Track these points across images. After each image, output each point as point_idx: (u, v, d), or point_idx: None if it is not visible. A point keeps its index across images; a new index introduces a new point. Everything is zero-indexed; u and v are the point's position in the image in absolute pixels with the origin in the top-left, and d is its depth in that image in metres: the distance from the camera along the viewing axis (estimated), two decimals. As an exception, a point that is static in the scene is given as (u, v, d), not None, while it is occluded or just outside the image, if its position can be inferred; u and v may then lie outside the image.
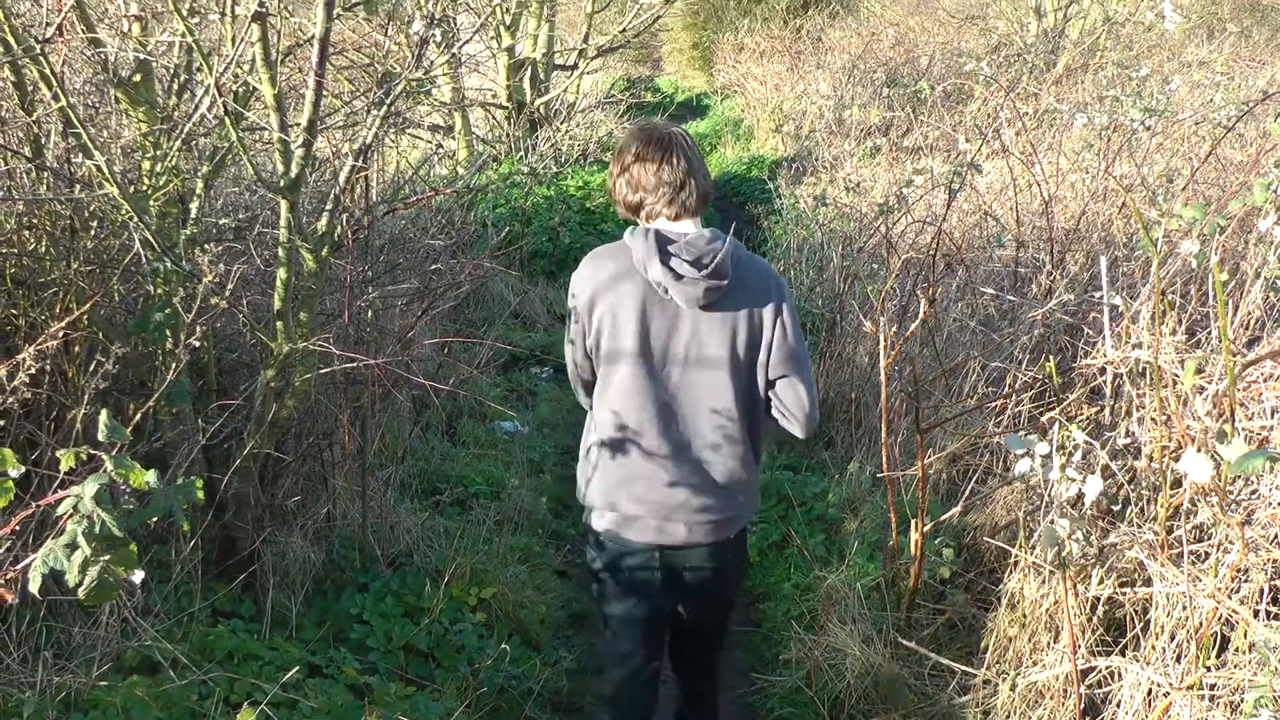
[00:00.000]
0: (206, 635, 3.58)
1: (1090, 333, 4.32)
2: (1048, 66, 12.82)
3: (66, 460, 2.15)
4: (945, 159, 8.26)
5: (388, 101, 3.75)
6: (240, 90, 3.82)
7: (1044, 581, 3.67)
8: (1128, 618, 3.47)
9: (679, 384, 3.07)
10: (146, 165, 3.77)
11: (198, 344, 3.53)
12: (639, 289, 3.01)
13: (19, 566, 2.12)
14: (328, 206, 3.76)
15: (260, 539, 4.14)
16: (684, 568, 3.22)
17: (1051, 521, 3.16)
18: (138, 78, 3.76)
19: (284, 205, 3.51)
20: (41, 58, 3.09)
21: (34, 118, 3.60)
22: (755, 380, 3.11)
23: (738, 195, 13.62)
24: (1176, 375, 3.18)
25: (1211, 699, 2.98)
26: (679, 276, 2.95)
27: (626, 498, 3.14)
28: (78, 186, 3.71)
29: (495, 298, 9.29)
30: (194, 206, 3.86)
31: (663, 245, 2.98)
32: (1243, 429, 3.20)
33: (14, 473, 2.17)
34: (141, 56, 3.73)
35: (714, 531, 3.17)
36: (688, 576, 3.25)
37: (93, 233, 3.79)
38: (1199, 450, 2.63)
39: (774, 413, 3.17)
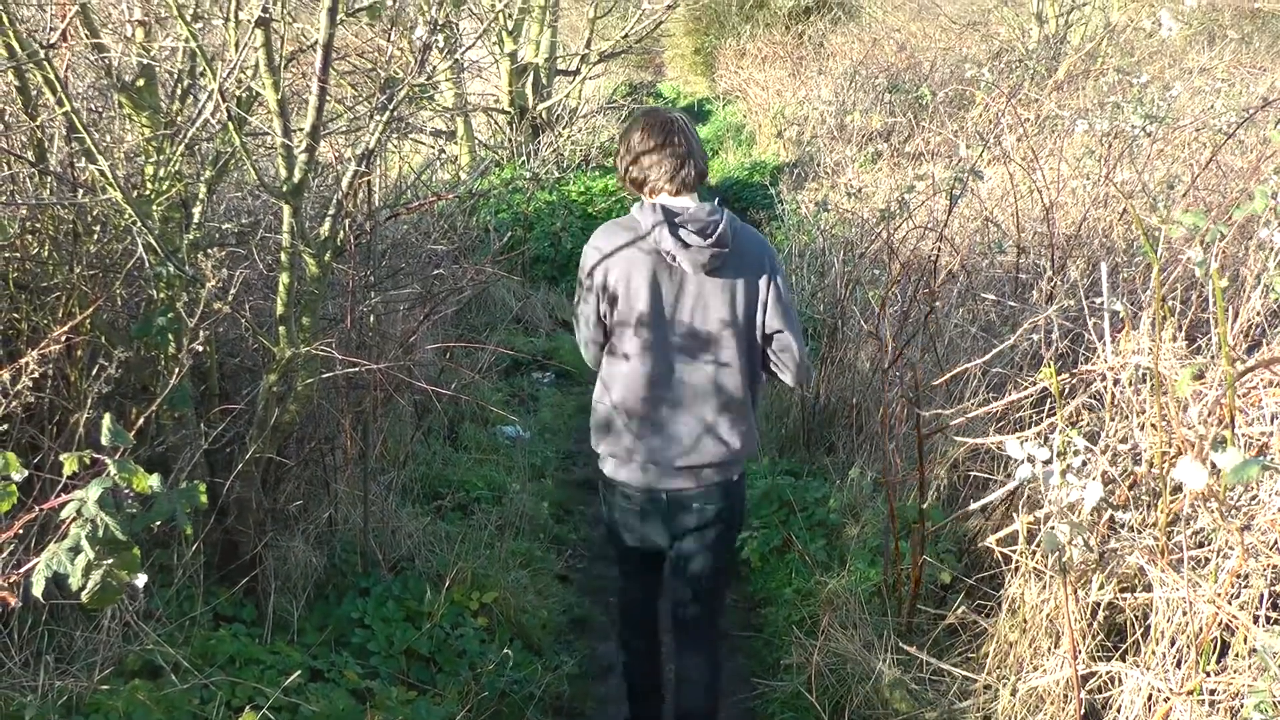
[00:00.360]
0: (208, 639, 3.58)
1: (1091, 338, 4.32)
2: (1049, 73, 12.84)
3: (70, 464, 2.16)
4: (947, 165, 8.28)
5: (390, 107, 3.77)
6: (243, 95, 3.83)
7: (1044, 587, 3.67)
8: (1128, 623, 3.48)
9: (686, 342, 3.41)
10: (150, 170, 3.78)
11: (200, 349, 3.54)
12: (649, 257, 3.34)
13: (22, 570, 2.13)
14: (330, 211, 3.77)
15: (262, 543, 4.14)
16: (688, 509, 3.55)
17: (1052, 527, 3.17)
18: (141, 83, 3.77)
19: (287, 210, 3.52)
20: (46, 63, 3.11)
21: (38, 123, 3.61)
22: (754, 337, 3.46)
23: (740, 200, 13.62)
24: (1176, 381, 3.19)
25: (1212, 704, 2.98)
26: (686, 245, 3.29)
27: (637, 448, 3.49)
28: (81, 191, 3.72)
29: (497, 303, 9.31)
30: (197, 211, 3.87)
31: (670, 218, 3.31)
32: (1242, 435, 3.20)
33: (17, 476, 2.18)
34: (145, 62, 3.74)
35: (716, 474, 3.52)
36: (692, 518, 3.56)
37: (95, 237, 3.80)
38: (1196, 457, 2.64)
39: (771, 366, 3.55)
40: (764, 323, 3.44)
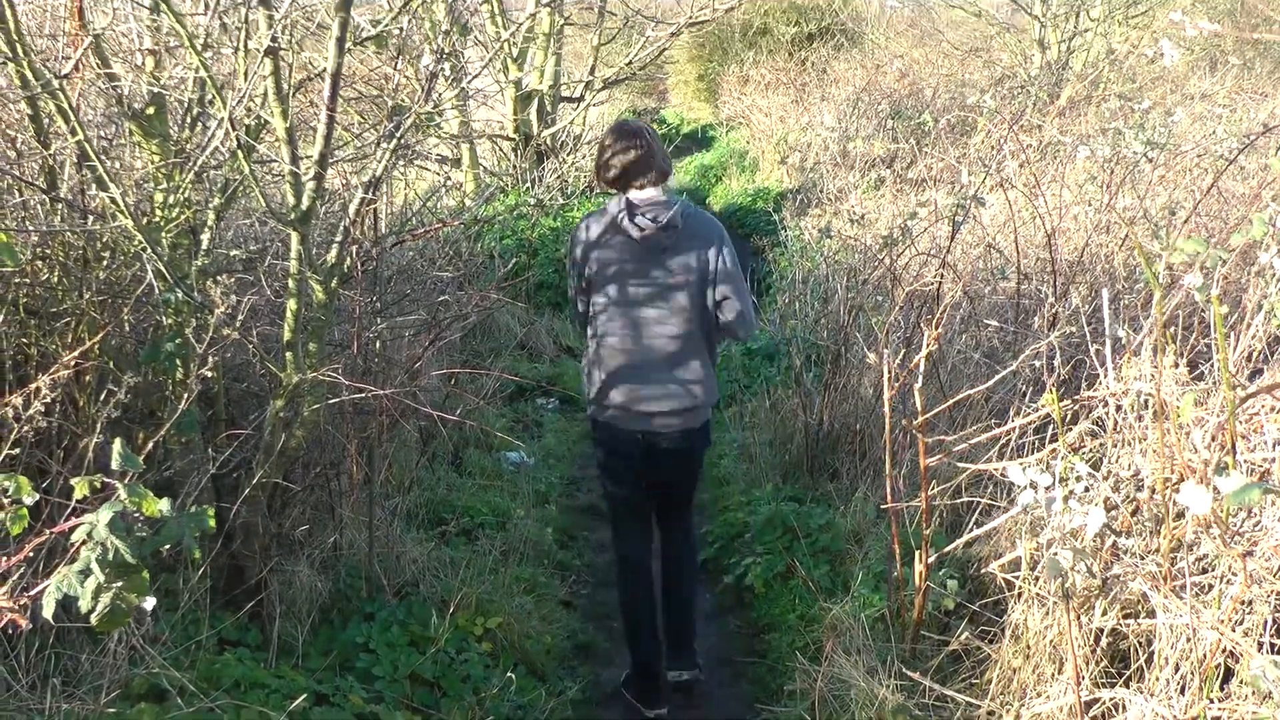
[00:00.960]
0: (214, 663, 3.59)
1: (1093, 364, 4.34)
2: (1051, 99, 12.88)
3: (80, 488, 2.18)
4: (949, 191, 8.31)
5: (397, 135, 3.80)
6: (252, 124, 3.86)
7: (1048, 613, 3.68)
8: (1131, 649, 3.48)
9: (650, 308, 4.23)
10: (159, 197, 3.81)
11: (208, 374, 3.56)
12: (619, 240, 4.21)
13: (32, 593, 2.15)
14: (337, 238, 3.80)
15: (268, 568, 4.16)
16: (660, 448, 4.38)
17: (1055, 553, 3.18)
18: (151, 111, 3.81)
19: (295, 237, 3.55)
20: (59, 92, 3.14)
21: (50, 150, 3.65)
22: (705, 301, 4.25)
23: (743, 227, 13.65)
24: (1178, 407, 3.20)
25: (1215, 730, 2.98)
26: (642, 228, 4.15)
27: (616, 396, 4.31)
28: (91, 218, 3.75)
29: (502, 329, 9.34)
30: (205, 238, 3.90)
31: (632, 208, 4.18)
32: (1244, 461, 3.22)
33: (27, 500, 2.20)
34: (156, 90, 3.78)
35: (682, 419, 4.34)
36: (664, 456, 4.40)
37: (105, 263, 3.83)
38: (1199, 482, 2.65)
39: (721, 325, 4.31)
40: (715, 288, 4.23)
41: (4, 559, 2.24)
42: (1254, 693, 2.97)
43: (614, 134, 4.28)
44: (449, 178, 10.90)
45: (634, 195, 4.21)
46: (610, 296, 4.24)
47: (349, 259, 3.97)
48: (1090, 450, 3.74)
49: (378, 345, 4.94)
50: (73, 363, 3.15)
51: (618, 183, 4.25)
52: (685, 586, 4.66)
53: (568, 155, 12.80)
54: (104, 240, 3.80)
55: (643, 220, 4.14)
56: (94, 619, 2.08)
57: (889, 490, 4.26)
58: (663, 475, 4.51)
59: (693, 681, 4.63)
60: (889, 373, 4.10)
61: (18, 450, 3.03)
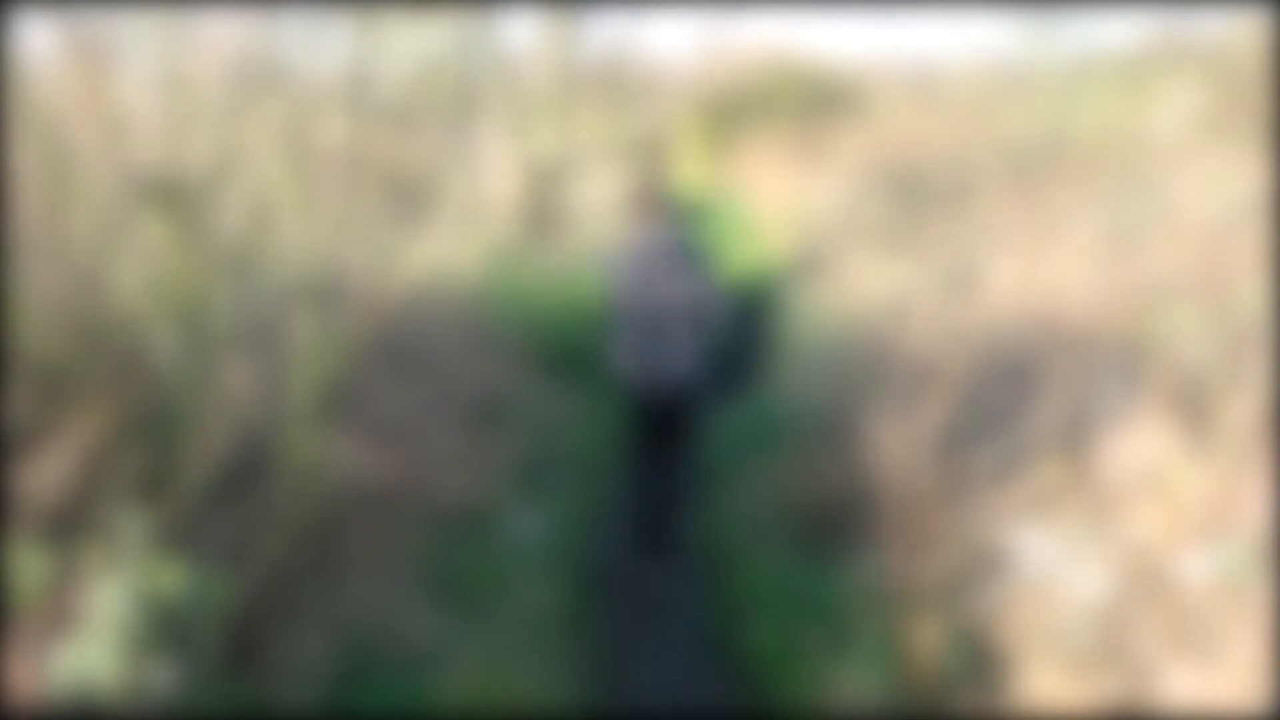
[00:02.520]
0: (222, 734, 3.59)
1: (1096, 432, 4.37)
2: (1054, 167, 12.95)
3: (94, 559, 2.22)
4: (953, 260, 8.37)
5: (406, 207, 3.87)
6: (264, 199, 3.93)
7: (1055, 678, 3.68)
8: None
9: (664, 310, 6.05)
10: (172, 269, 3.88)
11: (219, 445, 3.60)
12: (641, 259, 6.10)
13: (45, 664, 2.18)
14: (349, 310, 3.86)
15: (277, 637, 4.16)
16: (669, 411, 6.37)
17: (1060, 618, 3.20)
18: (166, 186, 3.88)
19: (304, 310, 3.61)
20: (77, 168, 3.21)
21: (67, 224, 3.71)
22: (702, 306, 6.16)
23: (748, 295, 13.64)
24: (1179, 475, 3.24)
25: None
26: (658, 250, 6.08)
27: (638, 371, 6.20)
28: (106, 292, 3.81)
29: (510, 398, 9.34)
30: (217, 311, 3.96)
31: (649, 235, 6.12)
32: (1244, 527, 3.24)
33: (43, 573, 2.24)
34: (169, 165, 3.85)
35: (686, 389, 6.27)
36: (672, 413, 6.39)
37: (119, 335, 3.88)
38: (1199, 549, 2.68)
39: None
40: (708, 298, 6.18)
41: (18, 630, 2.28)
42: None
43: (633, 180, 6.48)
44: (457, 248, 10.97)
45: (648, 222, 6.13)
46: (637, 302, 6.13)
47: (360, 331, 4.02)
48: (1093, 516, 3.77)
49: (389, 417, 4.97)
50: (87, 433, 3.19)
51: (638, 213, 6.18)
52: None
53: (574, 225, 12.87)
54: (118, 313, 3.85)
55: (659, 244, 6.11)
56: (106, 689, 2.11)
57: (894, 556, 4.27)
58: (670, 425, 6.47)
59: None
60: (893, 441, 4.14)
61: (33, 520, 3.07)
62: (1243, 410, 3.76)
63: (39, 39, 3.70)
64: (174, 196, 3.90)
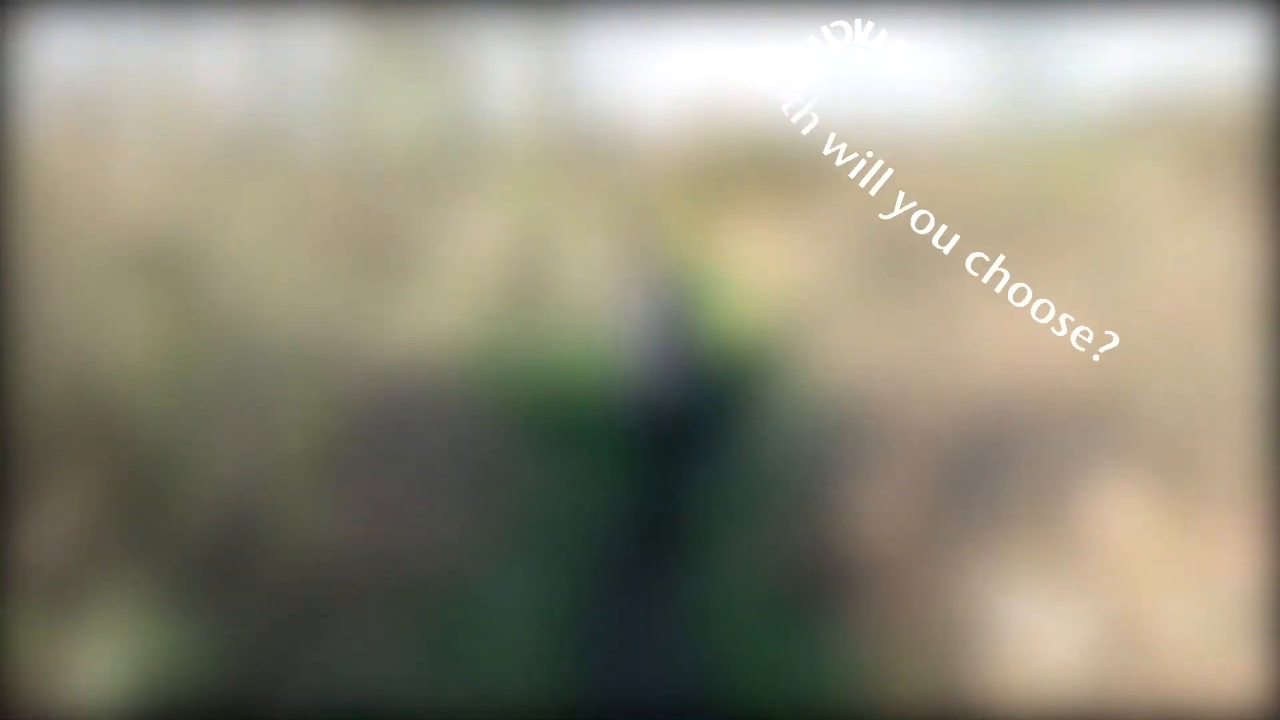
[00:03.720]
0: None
1: (1075, 496, 4.39)
2: (1032, 232, 13.02)
3: (88, 624, 2.23)
4: (931, 326, 8.40)
5: (396, 275, 3.91)
6: (256, 268, 3.96)
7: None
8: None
9: (656, 373, 6.53)
10: (164, 338, 3.89)
11: (209, 514, 3.61)
12: (632, 329, 6.33)
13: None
14: (338, 379, 3.88)
15: (267, 702, 4.14)
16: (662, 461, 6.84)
17: (1038, 681, 3.21)
18: (153, 261, 3.91)
19: (295, 378, 3.63)
20: (69, 237, 3.25)
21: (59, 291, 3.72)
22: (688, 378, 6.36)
23: (730, 378, 13.57)
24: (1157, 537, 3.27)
25: None
26: (648, 320, 6.32)
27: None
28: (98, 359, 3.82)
29: (500, 467, 9.31)
30: (209, 379, 3.97)
31: (638, 306, 6.38)
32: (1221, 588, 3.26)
33: (37, 637, 2.25)
34: (157, 237, 3.89)
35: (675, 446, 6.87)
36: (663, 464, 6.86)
37: (111, 403, 3.89)
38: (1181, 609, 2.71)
39: None
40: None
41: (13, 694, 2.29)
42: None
43: None
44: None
45: None
46: None
47: (349, 397, 4.05)
48: (1071, 579, 3.79)
49: (378, 482, 4.97)
50: (79, 500, 3.20)
51: None
52: None
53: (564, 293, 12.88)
54: (103, 391, 3.86)
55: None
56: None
57: (876, 627, 4.28)
58: None
59: None
60: (873, 510, 4.17)
61: (27, 586, 3.07)
62: (1224, 471, 3.79)
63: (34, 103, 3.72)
64: (165, 266, 3.93)
